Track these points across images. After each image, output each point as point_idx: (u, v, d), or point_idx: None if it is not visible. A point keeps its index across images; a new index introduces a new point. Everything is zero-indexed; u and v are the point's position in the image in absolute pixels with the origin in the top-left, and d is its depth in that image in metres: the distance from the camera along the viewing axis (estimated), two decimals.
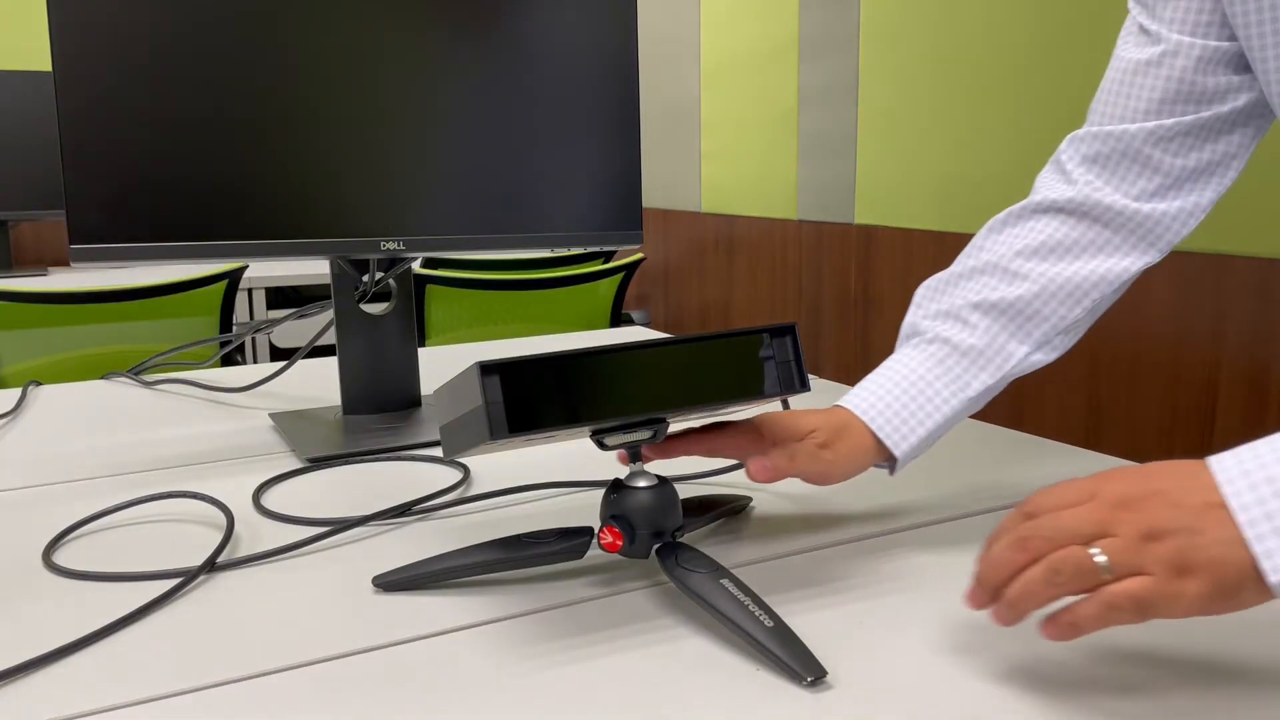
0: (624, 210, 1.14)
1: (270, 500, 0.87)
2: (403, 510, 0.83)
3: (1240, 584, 0.50)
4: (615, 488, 0.69)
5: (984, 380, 0.78)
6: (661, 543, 0.68)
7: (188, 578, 0.71)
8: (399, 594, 0.69)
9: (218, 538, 0.79)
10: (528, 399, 0.60)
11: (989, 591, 0.55)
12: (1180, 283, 1.93)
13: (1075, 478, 0.56)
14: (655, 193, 3.64)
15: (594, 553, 0.74)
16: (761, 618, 0.61)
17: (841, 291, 2.80)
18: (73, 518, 0.84)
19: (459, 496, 0.88)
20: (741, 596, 0.62)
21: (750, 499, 0.85)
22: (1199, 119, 0.76)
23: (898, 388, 0.77)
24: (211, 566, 0.73)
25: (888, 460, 0.77)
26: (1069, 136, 0.82)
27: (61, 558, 0.76)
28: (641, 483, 0.68)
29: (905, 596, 0.67)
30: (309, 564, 0.74)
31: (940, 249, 2.47)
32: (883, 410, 0.76)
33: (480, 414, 0.59)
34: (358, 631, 0.64)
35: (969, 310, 0.79)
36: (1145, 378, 2.01)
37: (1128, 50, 0.79)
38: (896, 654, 0.60)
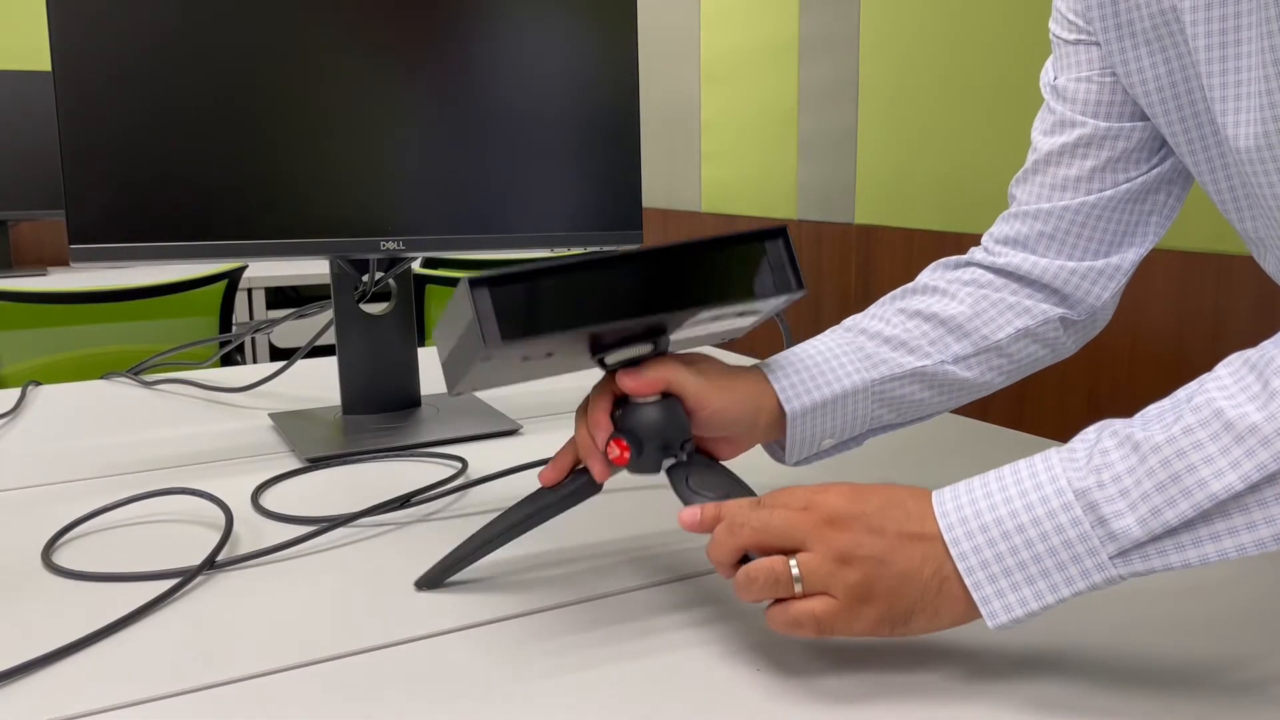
0: (624, 210, 1.14)
1: (269, 500, 0.87)
2: (403, 502, 0.83)
3: (909, 615, 0.55)
4: (619, 404, 0.67)
5: (891, 367, 0.75)
6: (673, 460, 0.66)
7: (186, 578, 0.71)
8: (400, 595, 0.69)
9: (215, 536, 0.79)
10: (519, 308, 0.59)
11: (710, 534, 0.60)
12: (1180, 282, 1.93)
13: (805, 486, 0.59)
14: (655, 193, 3.64)
15: (593, 551, 0.74)
16: None
17: (841, 291, 2.80)
18: (70, 518, 0.84)
19: (462, 483, 0.87)
20: None
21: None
22: (1115, 193, 0.76)
23: (802, 353, 0.75)
24: (210, 565, 0.73)
25: (780, 426, 0.73)
26: (1000, 216, 0.82)
27: (60, 557, 0.76)
28: (646, 399, 0.66)
29: None
30: (307, 563, 0.74)
31: (940, 249, 2.47)
32: (784, 366, 0.74)
33: (473, 328, 0.58)
34: (357, 632, 0.64)
35: (893, 313, 0.79)
36: (1145, 377, 2.01)
37: (1042, 136, 0.79)
38: (897, 655, 0.60)
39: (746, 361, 0.91)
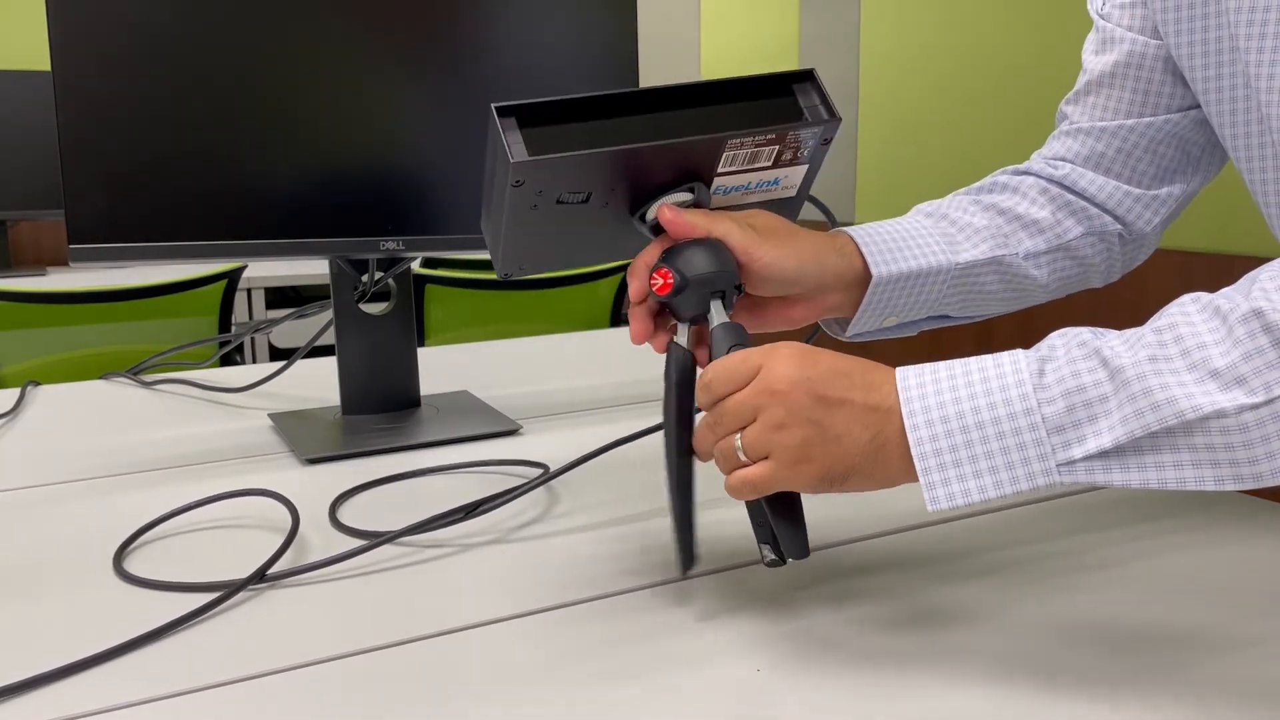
0: None
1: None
2: (468, 511, 0.79)
3: (846, 475, 0.57)
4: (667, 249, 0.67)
5: (974, 253, 0.76)
6: (720, 301, 0.65)
7: (229, 592, 0.70)
8: (408, 597, 0.69)
9: (290, 543, 0.78)
10: (543, 128, 0.62)
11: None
12: (1180, 283, 1.93)
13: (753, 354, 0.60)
14: None
15: (593, 552, 0.74)
16: None
17: None
18: (69, 518, 0.84)
19: (533, 483, 0.79)
20: None
21: None
22: (1169, 120, 0.77)
23: (886, 226, 0.75)
24: (261, 577, 0.71)
25: (852, 292, 0.73)
26: (1052, 135, 0.84)
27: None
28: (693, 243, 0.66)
29: (910, 599, 0.67)
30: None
31: None
32: (870, 233, 0.74)
33: (501, 153, 0.60)
34: (357, 632, 0.64)
35: (968, 203, 0.80)
36: None
37: (1092, 55, 0.80)
38: (899, 657, 0.60)
39: None
